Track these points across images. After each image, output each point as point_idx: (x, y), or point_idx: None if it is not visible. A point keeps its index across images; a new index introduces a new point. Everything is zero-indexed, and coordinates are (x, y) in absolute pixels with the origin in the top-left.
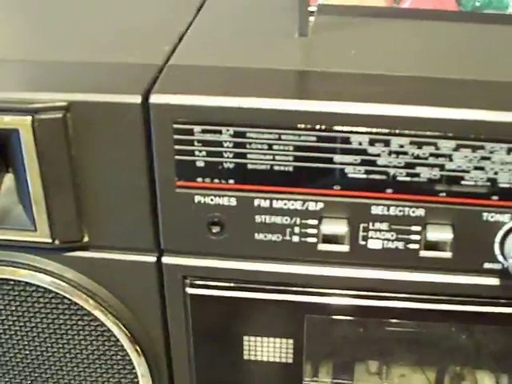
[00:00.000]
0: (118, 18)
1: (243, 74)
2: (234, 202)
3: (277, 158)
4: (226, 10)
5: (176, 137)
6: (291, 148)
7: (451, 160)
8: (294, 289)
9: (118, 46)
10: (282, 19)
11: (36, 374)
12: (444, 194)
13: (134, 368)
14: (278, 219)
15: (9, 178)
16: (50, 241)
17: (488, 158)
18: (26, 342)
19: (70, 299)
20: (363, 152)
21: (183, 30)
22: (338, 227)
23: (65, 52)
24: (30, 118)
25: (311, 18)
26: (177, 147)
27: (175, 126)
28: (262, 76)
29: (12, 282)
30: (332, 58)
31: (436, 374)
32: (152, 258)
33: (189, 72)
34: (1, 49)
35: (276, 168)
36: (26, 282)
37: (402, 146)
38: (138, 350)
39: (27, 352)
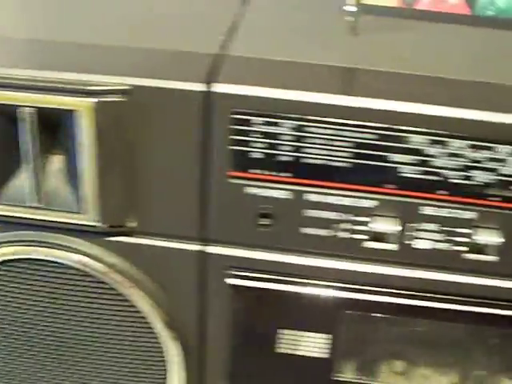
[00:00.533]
0: (166, 7)
1: (301, 69)
2: (285, 195)
3: (333, 153)
4: (274, 4)
5: (233, 127)
6: (348, 144)
7: (507, 165)
8: (336, 284)
9: (171, 34)
10: (329, 15)
11: (66, 356)
12: (497, 199)
13: (167, 355)
14: (328, 214)
15: (57, 160)
16: (97, 224)
17: None
18: (61, 324)
19: (108, 283)
20: (420, 152)
21: (232, 21)
22: (389, 226)
23: (122, 38)
24: (91, 99)
25: (357, 18)
26: (233, 137)
27: (233, 116)
28: (318, 71)
29: (53, 264)
30: (384, 58)
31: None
32: (196, 247)
33: (248, 64)
34: (65, 32)
35: (331, 163)
36: (67, 265)
37: (459, 149)
38: (174, 337)
39: (60, 333)
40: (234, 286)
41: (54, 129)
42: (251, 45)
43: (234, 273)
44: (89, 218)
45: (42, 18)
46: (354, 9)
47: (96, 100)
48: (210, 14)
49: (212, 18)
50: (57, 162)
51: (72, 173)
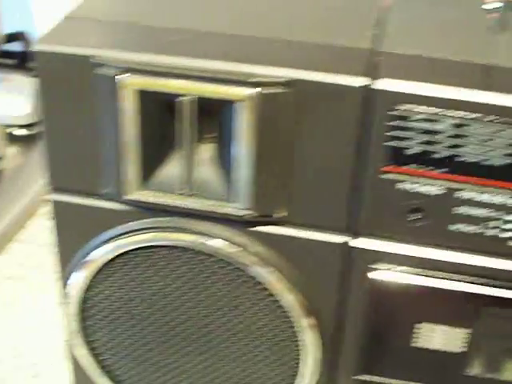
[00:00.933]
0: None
1: (457, 67)
2: (439, 191)
3: (490, 151)
4: None
5: (391, 123)
6: (506, 142)
7: None
8: (478, 280)
9: (319, 27)
10: (470, 9)
11: (201, 343)
12: None
13: (303, 344)
14: (479, 212)
15: (208, 148)
16: (247, 213)
17: None
18: (198, 311)
19: (249, 272)
20: None
21: (377, 15)
22: None
23: (271, 29)
24: (254, 90)
25: (504, 14)
26: (390, 133)
27: (393, 112)
28: (474, 69)
29: (194, 251)
30: None
31: None
32: (342, 239)
33: (404, 60)
34: (215, 22)
35: (487, 161)
36: (209, 252)
37: None
38: (312, 325)
39: (197, 321)
40: (376, 279)
41: (208, 117)
42: (401, 41)
43: (377, 267)
44: (239, 207)
45: (188, 8)
46: (499, 5)
47: (258, 91)
48: (352, 7)
49: (354, 11)
50: (207, 149)
51: (225, 161)
